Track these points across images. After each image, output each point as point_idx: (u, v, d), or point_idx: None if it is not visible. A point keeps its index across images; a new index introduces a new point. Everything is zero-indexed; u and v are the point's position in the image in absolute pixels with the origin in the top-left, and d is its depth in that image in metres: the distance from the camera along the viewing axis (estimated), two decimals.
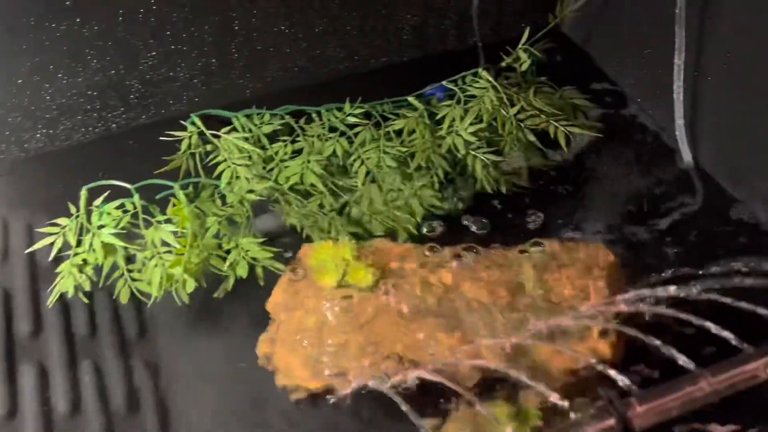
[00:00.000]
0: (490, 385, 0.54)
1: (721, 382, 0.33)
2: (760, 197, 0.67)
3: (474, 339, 0.56)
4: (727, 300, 0.39)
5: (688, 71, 0.69)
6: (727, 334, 0.35)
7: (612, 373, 0.34)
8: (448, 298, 0.59)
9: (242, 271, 0.62)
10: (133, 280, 0.61)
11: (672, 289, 0.41)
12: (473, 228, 0.69)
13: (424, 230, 0.68)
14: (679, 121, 0.71)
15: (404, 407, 0.43)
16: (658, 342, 0.36)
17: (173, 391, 0.58)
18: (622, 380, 0.33)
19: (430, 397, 0.53)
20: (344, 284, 0.60)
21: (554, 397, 0.34)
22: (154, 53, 0.72)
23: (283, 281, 0.62)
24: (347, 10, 0.78)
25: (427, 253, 0.63)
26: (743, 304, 0.40)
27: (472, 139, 0.70)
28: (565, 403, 0.34)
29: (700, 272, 0.51)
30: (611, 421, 0.30)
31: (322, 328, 0.58)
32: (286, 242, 0.67)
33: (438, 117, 0.73)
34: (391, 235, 0.67)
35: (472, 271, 0.61)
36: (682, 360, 0.33)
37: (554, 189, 0.72)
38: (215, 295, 0.62)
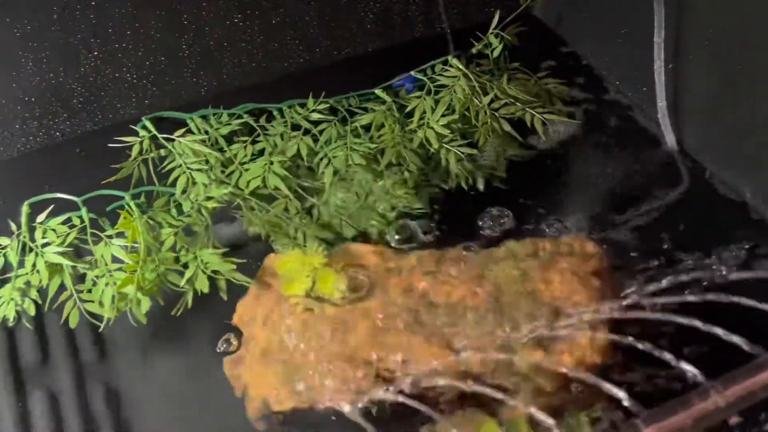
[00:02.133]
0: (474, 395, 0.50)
1: (734, 394, 0.29)
2: (747, 179, 0.64)
3: (453, 346, 0.53)
4: (724, 298, 0.36)
5: (668, 50, 0.66)
6: (737, 339, 0.31)
7: (612, 388, 0.30)
8: (426, 303, 0.56)
9: (202, 286, 0.57)
10: (83, 301, 0.57)
11: (665, 295, 0.37)
12: (450, 227, 0.65)
13: (397, 232, 0.64)
14: (661, 103, 0.68)
15: None
16: (669, 356, 0.32)
17: (134, 417, 0.54)
18: (625, 398, 0.29)
19: (406, 416, 0.49)
20: (314, 294, 0.56)
21: (538, 413, 0.30)
22: (96, 53, 0.67)
23: (248, 294, 0.59)
24: (303, 0, 0.73)
25: (402, 255, 0.60)
26: (743, 300, 0.36)
27: (445, 131, 0.67)
28: (551, 421, 0.30)
29: (691, 265, 0.48)
30: None
31: (291, 342, 0.55)
32: (252, 251, 0.63)
33: (408, 109, 0.70)
34: (363, 237, 0.63)
35: (450, 274, 0.58)
36: (692, 371, 0.29)
37: (534, 180, 0.69)
38: (174, 312, 0.57)
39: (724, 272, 0.43)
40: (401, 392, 0.43)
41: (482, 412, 0.51)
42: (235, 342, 0.58)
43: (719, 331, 0.34)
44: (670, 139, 0.69)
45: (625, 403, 0.29)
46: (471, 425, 0.47)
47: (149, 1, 0.67)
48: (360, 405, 0.51)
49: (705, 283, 0.47)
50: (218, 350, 0.57)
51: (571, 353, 0.51)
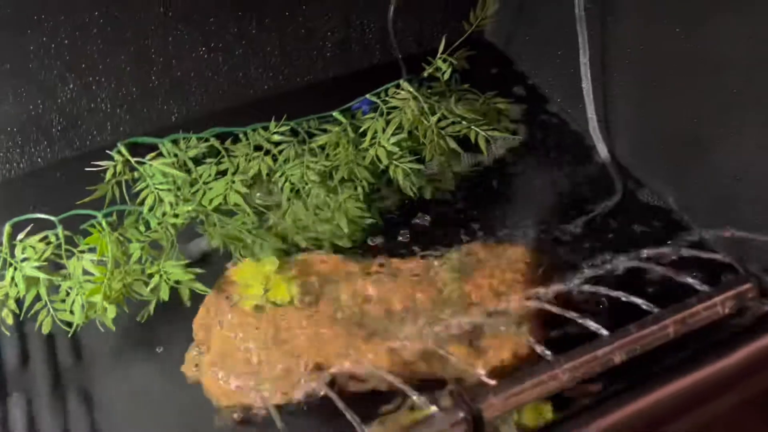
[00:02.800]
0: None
1: (575, 368, 0.34)
2: (670, 186, 0.69)
3: (392, 344, 0.57)
4: (604, 290, 0.41)
5: (596, 69, 0.71)
6: (591, 324, 0.36)
7: (472, 368, 0.35)
8: (369, 306, 0.61)
9: (164, 295, 0.62)
10: (56, 310, 0.62)
11: (555, 288, 0.42)
12: (398, 237, 0.70)
13: (351, 242, 0.69)
14: (592, 117, 0.72)
15: None
16: (533, 341, 0.37)
17: (107, 419, 0.58)
18: (482, 374, 0.34)
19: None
20: (267, 300, 0.61)
21: (414, 396, 0.35)
22: (72, 86, 0.73)
23: (207, 301, 0.63)
24: (265, 31, 0.79)
25: (351, 263, 0.64)
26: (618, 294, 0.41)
27: (394, 149, 0.71)
28: (421, 398, 0.34)
29: (609, 265, 0.52)
30: (461, 414, 0.31)
31: (245, 345, 0.59)
32: (220, 264, 0.67)
33: (362, 130, 0.74)
34: (317, 247, 0.67)
35: (394, 280, 0.62)
36: (539, 350, 0.34)
37: (479, 192, 0.74)
38: (138, 318, 0.63)
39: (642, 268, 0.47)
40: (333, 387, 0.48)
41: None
42: (196, 346, 0.61)
43: (574, 314, 0.38)
44: (602, 151, 0.74)
45: (483, 379, 0.34)
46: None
47: (119, 38, 0.72)
48: (303, 400, 0.55)
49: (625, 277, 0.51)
50: (182, 353, 0.61)
51: (496, 348, 0.56)
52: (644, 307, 0.35)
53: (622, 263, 0.44)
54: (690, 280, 0.37)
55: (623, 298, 0.37)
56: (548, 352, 0.34)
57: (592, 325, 0.36)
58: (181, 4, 0.73)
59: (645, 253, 0.46)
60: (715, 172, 0.62)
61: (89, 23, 0.69)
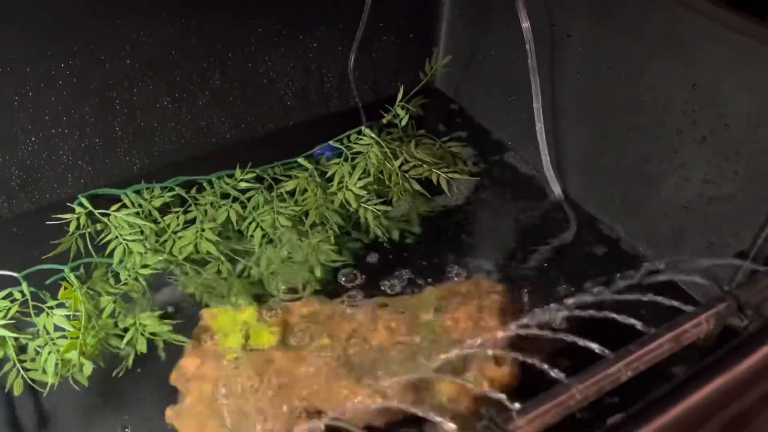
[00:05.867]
0: (402, 426, 0.56)
1: (588, 388, 0.36)
2: (619, 220, 0.74)
3: (376, 384, 0.58)
4: (588, 314, 0.44)
5: (546, 113, 0.76)
6: (592, 345, 0.39)
7: (494, 393, 0.37)
8: (351, 347, 0.61)
9: (142, 347, 0.61)
10: (26, 370, 0.59)
11: (538, 316, 0.45)
12: (372, 277, 0.71)
13: (325, 284, 0.70)
14: (545, 158, 0.77)
15: None
16: (535, 361, 0.39)
17: None
18: (504, 398, 0.36)
19: None
20: (248, 347, 0.61)
21: (446, 425, 0.37)
22: (33, 138, 0.71)
23: (186, 352, 0.62)
24: (228, 82, 0.80)
25: (328, 306, 0.65)
26: (603, 314, 0.44)
27: (362, 192, 0.73)
28: (453, 426, 0.36)
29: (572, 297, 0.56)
30: None
31: (227, 394, 0.58)
32: (192, 312, 0.66)
33: (328, 175, 0.77)
34: (292, 291, 0.68)
35: (374, 320, 0.63)
36: (554, 373, 0.37)
37: (444, 232, 0.77)
38: (115, 374, 0.61)
39: (598, 296, 0.51)
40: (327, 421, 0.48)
41: None
42: (177, 398, 0.60)
43: (593, 345, 0.41)
44: (556, 189, 0.79)
45: (506, 404, 0.36)
46: None
47: (83, 90, 0.71)
48: None
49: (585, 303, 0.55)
50: (161, 406, 0.59)
51: (478, 376, 0.58)
52: (641, 328, 0.38)
53: (599, 292, 0.48)
54: (675, 303, 0.41)
55: (618, 319, 0.41)
56: (562, 374, 0.37)
57: (595, 346, 0.39)
58: (147, 55, 0.73)
59: (618, 282, 0.49)
60: (664, 205, 0.68)
61: (55, 75, 0.68)
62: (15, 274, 0.63)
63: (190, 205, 0.72)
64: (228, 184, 0.75)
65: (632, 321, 0.38)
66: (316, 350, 0.61)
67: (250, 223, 0.72)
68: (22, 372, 0.59)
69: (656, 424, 0.34)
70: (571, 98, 0.75)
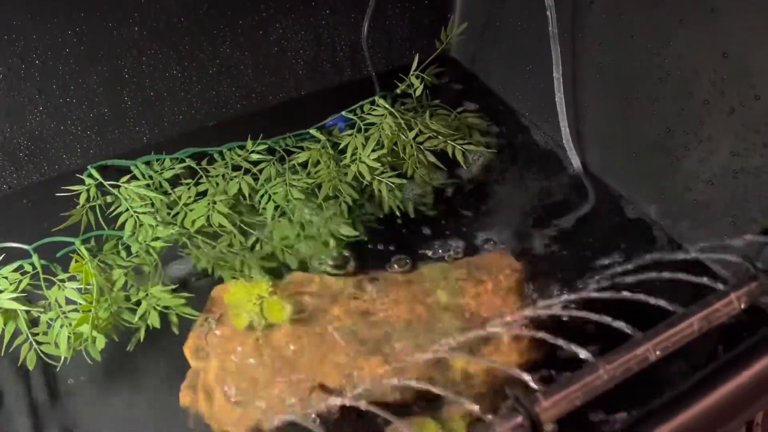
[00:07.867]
0: (415, 402, 0.55)
1: (616, 368, 0.35)
2: (642, 193, 0.72)
3: (393, 359, 0.57)
4: (610, 294, 0.42)
5: (567, 83, 0.74)
6: (619, 324, 0.38)
7: (519, 373, 0.36)
8: (367, 323, 0.60)
9: (154, 321, 0.60)
10: (39, 343, 0.59)
11: (564, 297, 0.44)
12: (387, 250, 0.70)
13: (339, 258, 0.69)
14: (565, 130, 0.75)
15: None
16: (561, 341, 0.38)
17: None
18: (529, 379, 0.35)
19: (356, 423, 0.53)
20: (260, 321, 0.60)
21: (468, 405, 0.36)
22: (41, 108, 0.70)
23: (198, 325, 0.62)
24: (238, 50, 0.78)
25: (343, 281, 0.64)
26: (630, 295, 0.43)
27: (376, 165, 0.72)
28: (477, 407, 0.35)
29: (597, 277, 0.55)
30: (519, 418, 0.32)
31: (243, 368, 0.58)
32: (202, 285, 0.66)
33: (341, 146, 0.75)
34: (305, 266, 0.67)
35: (388, 295, 0.63)
36: (583, 354, 0.36)
37: (460, 205, 0.75)
38: (128, 348, 0.60)
39: (620, 272, 0.50)
40: (347, 399, 0.47)
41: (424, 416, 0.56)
42: (190, 372, 0.59)
43: (621, 324, 0.40)
44: (576, 162, 0.77)
45: (531, 384, 0.35)
46: (416, 427, 0.51)
47: (91, 58, 0.70)
48: (312, 415, 0.54)
49: (608, 282, 0.54)
50: (175, 381, 0.59)
51: (497, 354, 0.58)
52: (670, 308, 0.37)
53: (629, 271, 0.46)
54: (706, 280, 0.39)
55: (644, 299, 0.39)
56: (589, 354, 0.35)
57: (623, 325, 0.37)
58: (156, 23, 0.71)
59: (648, 257, 0.48)
60: (687, 179, 0.66)
61: (62, 42, 0.67)
62: (26, 247, 0.62)
63: (200, 177, 0.71)
64: (239, 155, 0.74)
65: (661, 302, 0.37)
66: (329, 324, 0.60)
67: (262, 196, 0.70)
68: (35, 345, 0.58)
69: (678, 420, 0.33)
70: (593, 68, 0.72)
